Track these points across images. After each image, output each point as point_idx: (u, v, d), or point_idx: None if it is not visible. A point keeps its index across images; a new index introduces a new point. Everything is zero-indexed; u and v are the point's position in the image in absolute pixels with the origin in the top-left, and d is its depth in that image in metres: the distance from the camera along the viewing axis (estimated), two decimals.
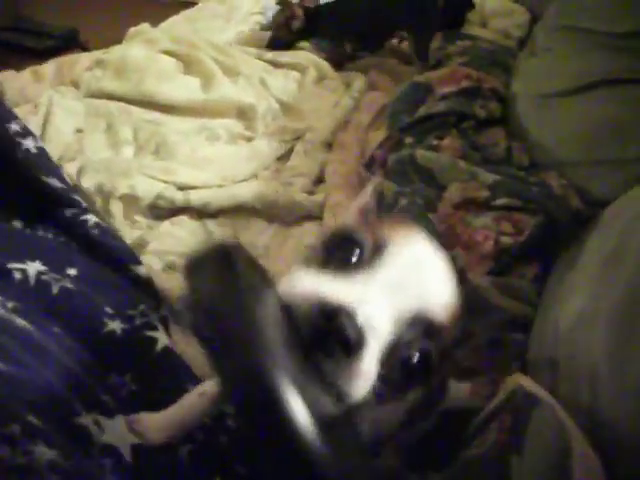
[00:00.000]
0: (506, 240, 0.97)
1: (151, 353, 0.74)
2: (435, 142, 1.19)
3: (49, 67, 1.57)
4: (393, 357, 0.46)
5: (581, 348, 0.70)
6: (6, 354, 0.57)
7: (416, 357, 0.48)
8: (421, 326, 0.48)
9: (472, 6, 1.90)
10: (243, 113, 1.40)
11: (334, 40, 1.75)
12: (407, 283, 0.49)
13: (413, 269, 0.51)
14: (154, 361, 0.74)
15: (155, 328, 0.77)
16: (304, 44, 1.77)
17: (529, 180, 1.11)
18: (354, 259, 0.51)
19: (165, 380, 0.73)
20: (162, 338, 0.76)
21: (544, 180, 1.11)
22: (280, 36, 1.75)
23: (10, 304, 0.71)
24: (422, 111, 1.26)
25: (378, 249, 0.50)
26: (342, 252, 0.52)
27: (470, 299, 0.80)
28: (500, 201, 1.04)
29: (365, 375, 0.44)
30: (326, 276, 0.48)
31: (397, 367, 0.47)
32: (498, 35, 1.74)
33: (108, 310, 0.77)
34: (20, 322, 0.65)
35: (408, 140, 1.21)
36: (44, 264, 0.82)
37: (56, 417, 0.55)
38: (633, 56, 1.10)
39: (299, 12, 1.71)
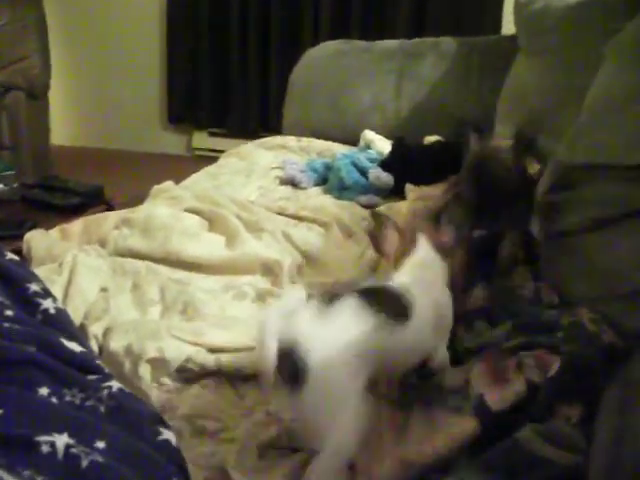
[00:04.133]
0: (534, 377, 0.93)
1: None
2: None
3: (76, 226, 1.62)
4: None
5: None
6: None
7: None
8: None
9: None
10: (269, 269, 1.41)
11: None
12: None
13: None
14: None
15: None
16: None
17: (558, 321, 1.08)
18: None
19: None
20: None
21: (575, 318, 1.08)
22: None
23: (39, 479, 0.68)
24: None
25: None
26: None
27: (512, 455, 0.77)
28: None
29: None
30: None
31: None
32: None
33: None
34: None
35: None
36: (72, 436, 0.79)
37: None
38: None
39: None
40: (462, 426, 0.87)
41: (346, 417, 0.82)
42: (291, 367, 0.79)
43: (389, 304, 0.90)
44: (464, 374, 0.99)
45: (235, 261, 1.41)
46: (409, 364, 0.99)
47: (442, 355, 1.02)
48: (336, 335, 0.83)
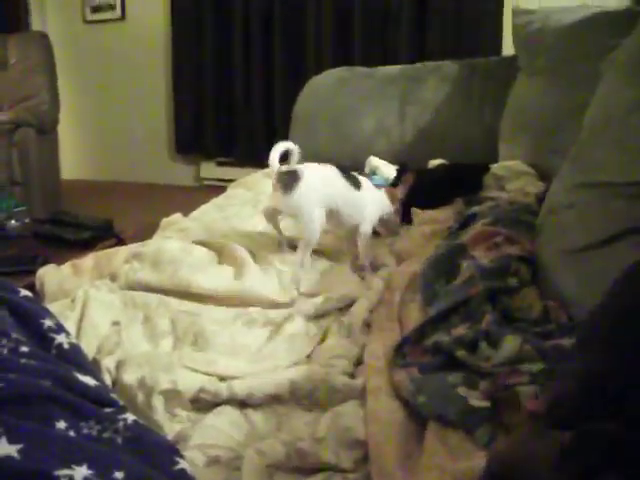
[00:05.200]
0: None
1: None
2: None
3: (88, 261, 1.64)
4: None
5: None
6: None
7: None
8: None
9: (487, 169, 2.00)
10: (275, 304, 1.43)
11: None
12: None
13: None
14: None
15: None
16: None
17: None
18: None
19: None
20: None
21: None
22: None
23: None
24: (456, 297, 1.26)
25: None
26: None
27: None
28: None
29: None
30: None
31: None
32: (516, 194, 1.80)
33: None
34: None
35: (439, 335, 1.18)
36: (90, 467, 0.80)
37: None
38: None
39: None
40: (475, 462, 0.84)
41: (311, 224, 1.57)
42: (290, 178, 1.56)
43: (352, 178, 1.68)
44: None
45: (243, 293, 1.43)
46: (347, 222, 1.69)
47: (366, 225, 1.69)
48: (321, 173, 1.62)
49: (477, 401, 0.95)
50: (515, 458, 0.61)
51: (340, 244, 1.77)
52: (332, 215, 1.64)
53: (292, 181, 1.55)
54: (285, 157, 1.63)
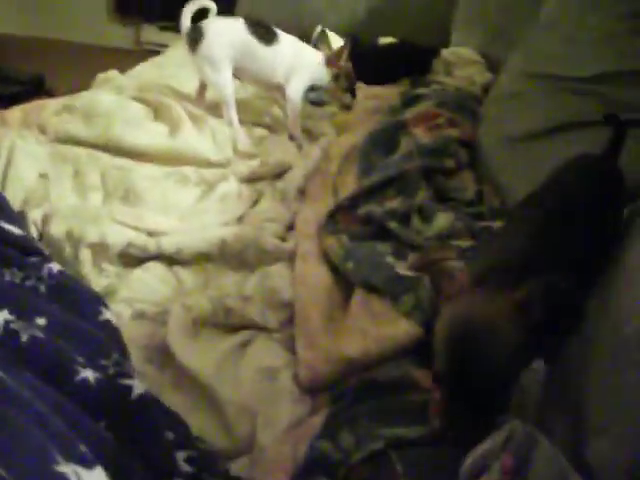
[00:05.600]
0: None
1: (126, 401, 0.72)
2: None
3: (15, 112, 1.55)
4: None
5: None
6: None
7: None
8: None
9: (437, 53, 1.96)
10: (209, 163, 1.41)
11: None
12: None
13: None
14: (130, 409, 0.72)
15: (130, 376, 0.75)
16: None
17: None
18: None
19: (142, 428, 0.70)
20: (138, 386, 0.74)
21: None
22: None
23: None
24: (392, 170, 1.26)
25: None
26: None
27: None
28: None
29: None
30: None
31: None
32: (463, 81, 1.78)
33: (80, 359, 0.74)
34: None
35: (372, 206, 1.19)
36: (12, 312, 0.79)
37: (34, 465, 0.52)
38: (600, 99, 1.13)
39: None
40: (398, 328, 0.89)
41: (217, 78, 1.58)
42: (195, 35, 1.54)
43: (265, 33, 1.62)
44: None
45: (177, 151, 1.40)
46: (260, 78, 1.66)
47: (292, 89, 1.63)
48: (225, 28, 1.58)
49: (403, 270, 0.97)
50: (475, 319, 0.65)
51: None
52: (244, 71, 1.63)
53: (196, 37, 1.54)
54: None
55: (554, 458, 0.58)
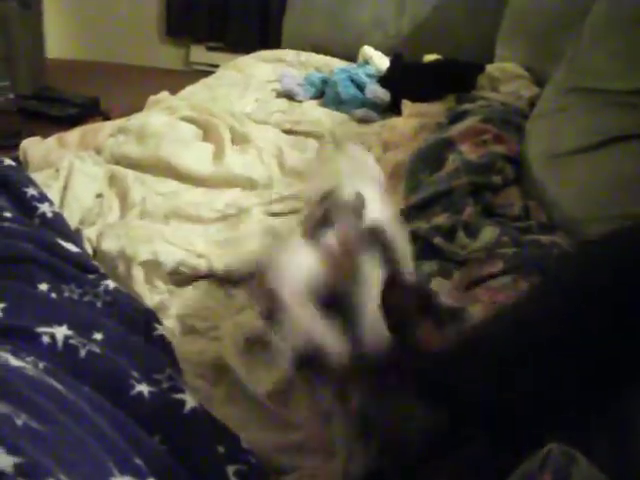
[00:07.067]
0: None
1: (179, 415, 0.74)
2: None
3: (73, 134, 1.62)
4: None
5: None
6: (40, 413, 0.57)
7: None
8: None
9: (482, 69, 1.96)
10: (253, 185, 1.43)
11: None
12: None
13: None
14: (183, 422, 0.74)
15: (182, 391, 0.78)
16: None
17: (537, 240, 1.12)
18: None
19: (194, 441, 0.72)
20: (190, 400, 0.76)
21: (552, 240, 1.11)
22: None
23: (41, 365, 0.72)
24: (439, 187, 1.27)
25: None
26: None
27: None
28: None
29: None
30: None
31: None
32: (509, 97, 1.77)
33: (135, 374, 0.77)
34: (52, 382, 0.66)
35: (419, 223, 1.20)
36: (70, 328, 0.83)
37: (91, 475, 0.55)
38: None
39: None
40: None
41: None
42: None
43: None
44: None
45: (220, 175, 1.43)
46: None
47: None
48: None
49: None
50: None
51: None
52: None
53: None
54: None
55: (595, 476, 0.58)
